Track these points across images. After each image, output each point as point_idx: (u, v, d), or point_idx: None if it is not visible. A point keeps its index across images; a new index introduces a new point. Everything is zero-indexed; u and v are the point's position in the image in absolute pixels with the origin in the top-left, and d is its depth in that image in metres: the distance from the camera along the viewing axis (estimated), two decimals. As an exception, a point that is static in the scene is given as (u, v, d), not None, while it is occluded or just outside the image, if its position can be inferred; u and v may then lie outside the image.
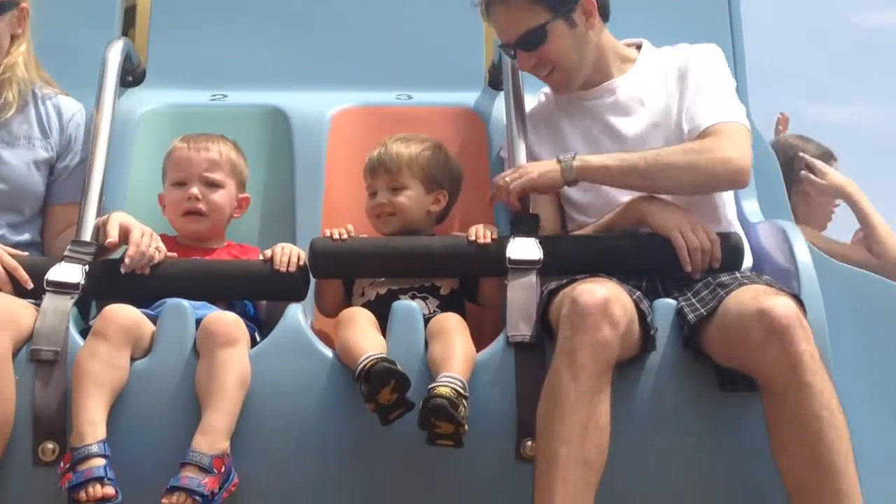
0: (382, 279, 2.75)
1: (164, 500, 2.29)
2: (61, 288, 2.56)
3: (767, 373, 2.29)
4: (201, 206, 2.81)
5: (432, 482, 2.48)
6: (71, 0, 3.22)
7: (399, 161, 2.82)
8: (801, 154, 3.95)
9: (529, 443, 2.42)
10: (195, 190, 2.81)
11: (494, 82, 3.29)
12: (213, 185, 2.83)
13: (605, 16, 2.95)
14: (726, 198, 2.91)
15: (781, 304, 2.31)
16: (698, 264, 2.62)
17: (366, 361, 2.37)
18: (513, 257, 2.60)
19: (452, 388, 2.34)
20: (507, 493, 2.44)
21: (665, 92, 2.92)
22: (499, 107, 3.19)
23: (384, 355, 2.39)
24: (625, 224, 2.73)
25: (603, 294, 2.33)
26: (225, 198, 2.84)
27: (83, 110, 3.01)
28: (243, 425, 2.44)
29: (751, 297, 2.37)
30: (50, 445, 2.42)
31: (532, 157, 2.90)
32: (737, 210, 2.97)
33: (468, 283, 2.77)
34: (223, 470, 2.35)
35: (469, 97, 3.27)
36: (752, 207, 3.06)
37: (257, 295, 2.73)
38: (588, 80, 2.95)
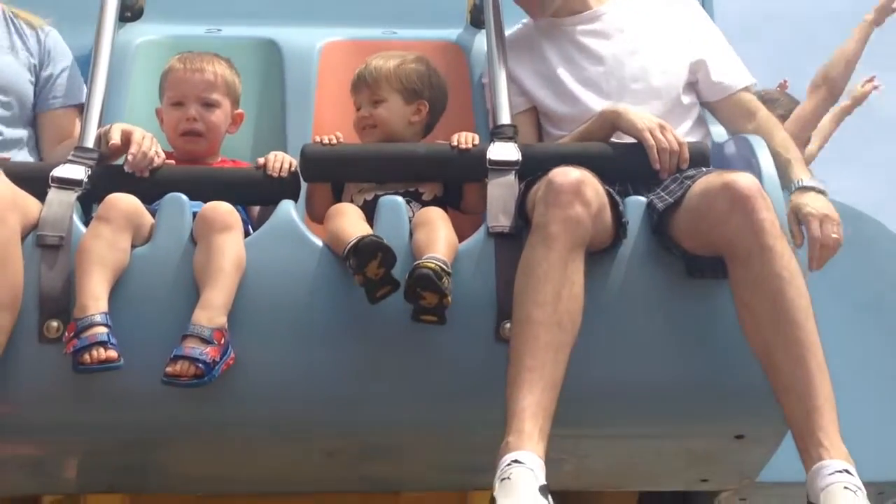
0: (369, 185, 2.89)
1: (168, 368, 2.42)
2: (65, 184, 2.70)
3: (732, 240, 2.45)
4: (199, 126, 2.94)
5: (416, 361, 2.61)
6: None
7: (378, 75, 2.98)
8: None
9: (508, 325, 2.55)
10: (193, 111, 2.94)
11: (475, 21, 3.46)
12: (210, 104, 2.97)
13: None
14: (697, 116, 3.10)
15: (744, 178, 2.48)
16: (666, 164, 2.78)
17: (354, 239, 2.51)
18: (493, 158, 2.75)
19: (437, 264, 2.48)
20: (487, 371, 2.56)
21: (650, 26, 3.15)
22: (479, 41, 3.36)
23: (372, 233, 2.54)
24: (599, 132, 2.89)
25: (576, 175, 2.49)
26: (221, 117, 2.98)
27: (52, 29, 3.16)
28: (238, 308, 2.56)
29: (715, 176, 2.55)
30: (55, 323, 2.55)
31: (512, 79, 3.07)
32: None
33: (451, 189, 2.91)
34: (223, 342, 2.48)
35: (451, 34, 3.44)
36: (720, 131, 3.22)
37: (251, 198, 2.86)
38: (567, 7, 3.13)
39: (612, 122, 2.88)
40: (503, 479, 2.25)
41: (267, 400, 2.60)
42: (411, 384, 2.62)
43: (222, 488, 2.98)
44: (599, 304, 2.61)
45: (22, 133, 3.05)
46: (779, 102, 4.41)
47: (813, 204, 2.82)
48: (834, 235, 2.77)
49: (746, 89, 3.17)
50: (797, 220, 2.82)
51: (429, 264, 2.47)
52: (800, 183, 2.88)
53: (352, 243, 2.50)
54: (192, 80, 2.96)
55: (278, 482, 2.89)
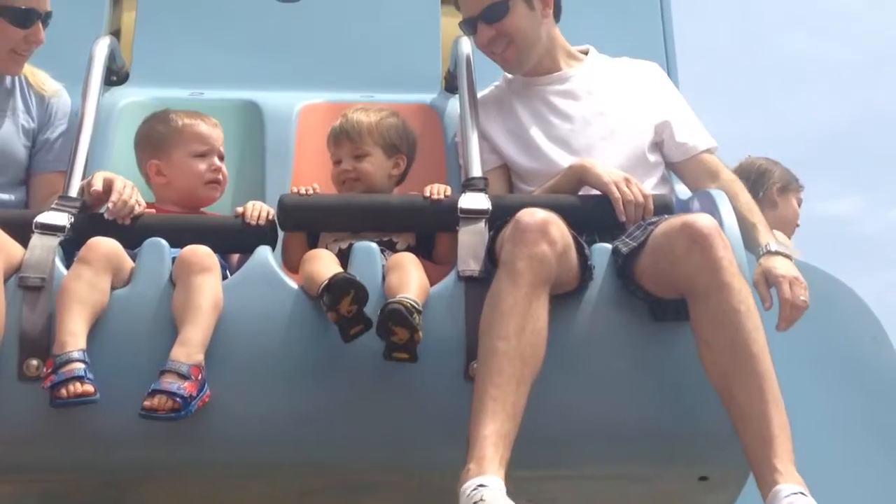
0: (344, 235, 2.98)
1: (146, 402, 2.48)
2: (48, 230, 2.78)
3: (691, 277, 2.55)
4: (220, 177, 3.09)
5: (388, 400, 2.68)
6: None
7: (360, 129, 3.08)
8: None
9: (475, 364, 2.62)
10: (217, 161, 3.08)
11: (450, 87, 3.60)
12: (223, 158, 3.12)
13: (557, 14, 3.33)
14: (662, 175, 3.22)
15: (703, 218, 2.59)
16: (632, 215, 2.88)
17: (328, 278, 2.59)
18: (464, 207, 2.85)
19: (408, 301, 2.56)
20: (456, 410, 2.60)
21: (617, 89, 3.30)
22: (453, 104, 3.49)
23: (345, 272, 2.63)
24: (567, 185, 3.00)
25: (542, 215, 2.59)
26: (226, 171, 3.13)
27: (64, 89, 3.28)
28: (215, 347, 2.63)
29: (675, 218, 2.66)
30: (34, 362, 2.61)
31: (484, 137, 3.19)
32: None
33: (424, 240, 3.00)
34: (200, 378, 2.55)
35: (426, 98, 3.57)
36: (683, 189, 3.33)
37: (229, 245, 2.94)
38: (539, 66, 3.28)
39: (579, 176, 2.99)
40: (475, 503, 2.30)
41: (242, 438, 2.66)
42: (383, 423, 2.68)
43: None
44: (565, 347, 2.69)
45: (14, 196, 3.14)
46: (772, 173, 4.53)
47: (782, 267, 2.91)
48: (802, 297, 2.86)
49: (709, 151, 3.29)
50: (766, 282, 2.90)
51: (400, 301, 2.55)
52: (767, 247, 2.98)
53: (325, 281, 2.58)
54: (215, 135, 3.10)
55: None
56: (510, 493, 2.39)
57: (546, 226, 2.56)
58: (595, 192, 2.98)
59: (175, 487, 2.75)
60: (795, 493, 2.33)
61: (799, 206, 4.63)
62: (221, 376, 2.64)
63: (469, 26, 3.29)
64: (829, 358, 3.30)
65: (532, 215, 2.58)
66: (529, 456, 2.52)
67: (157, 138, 3.13)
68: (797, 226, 4.60)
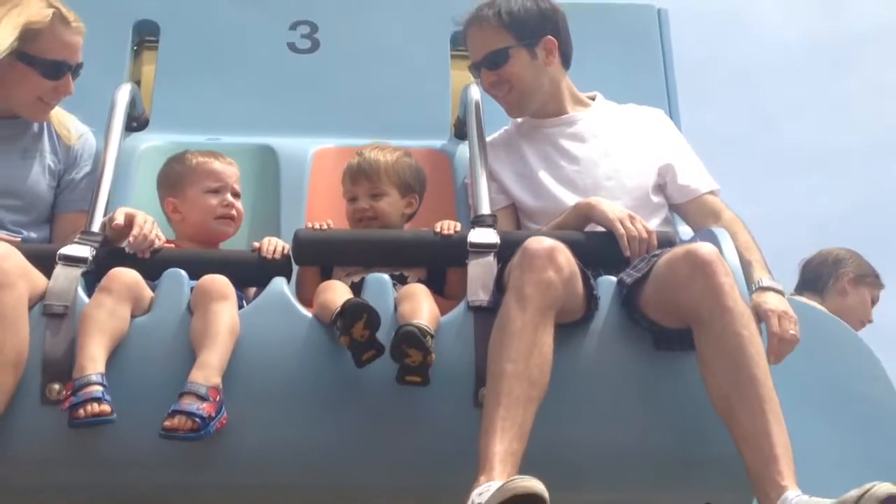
0: (357, 269, 3.07)
1: (166, 423, 2.56)
2: (71, 261, 2.87)
3: (694, 303, 2.63)
4: (233, 212, 3.20)
5: (399, 424, 2.75)
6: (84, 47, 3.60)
7: (378, 168, 3.19)
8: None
9: (484, 391, 2.70)
10: (230, 197, 3.19)
11: (459, 134, 3.72)
12: (238, 195, 3.23)
13: (565, 61, 3.46)
14: (665, 216, 3.32)
15: (704, 246, 2.68)
16: (636, 251, 2.97)
17: (341, 304, 2.68)
18: (473, 241, 2.94)
19: (421, 325, 2.65)
20: (465, 435, 2.67)
21: (623, 132, 3.42)
22: (462, 150, 3.61)
23: (358, 298, 2.71)
24: (573, 222, 3.10)
25: (549, 243, 2.69)
26: (241, 207, 3.24)
27: (90, 132, 3.39)
28: (231, 373, 2.71)
29: (679, 248, 2.74)
30: (56, 386, 2.69)
31: (492, 178, 3.30)
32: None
33: (435, 275, 3.09)
34: (217, 400, 2.63)
35: (436, 143, 3.69)
36: (686, 230, 3.43)
37: (246, 279, 3.03)
38: (545, 110, 3.40)
39: (585, 214, 3.09)
40: (481, 493, 2.37)
41: (257, 461, 2.73)
42: (394, 447, 2.75)
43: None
44: (572, 375, 2.77)
45: (38, 234, 3.24)
46: (847, 262, 4.63)
47: (772, 302, 2.99)
48: (791, 331, 2.94)
49: (712, 193, 3.39)
50: (757, 317, 2.98)
51: (414, 324, 2.63)
52: (760, 283, 3.07)
53: (339, 307, 2.67)
54: (228, 172, 3.22)
55: None
56: None
57: (553, 252, 2.65)
58: (601, 229, 3.07)
59: (192, 511, 2.81)
60: (800, 495, 2.39)
61: (874, 303, 4.67)
62: (237, 401, 2.71)
63: (474, 70, 3.43)
64: (829, 394, 3.37)
65: (539, 242, 2.68)
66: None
67: (173, 177, 3.25)
68: (869, 321, 4.63)
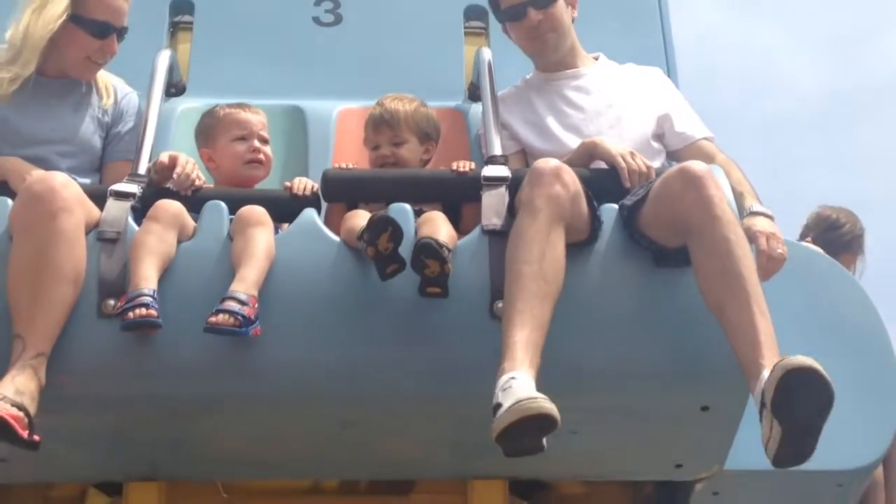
0: (379, 206, 3.34)
1: (211, 318, 2.82)
2: (121, 196, 3.16)
3: (687, 214, 2.90)
4: (261, 156, 3.47)
5: (421, 337, 3.01)
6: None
7: (398, 118, 3.48)
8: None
9: (500, 304, 2.97)
10: (257, 143, 3.47)
11: (472, 96, 4.01)
12: (266, 141, 3.50)
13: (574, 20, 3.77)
14: (663, 163, 3.59)
15: (697, 164, 2.96)
16: (636, 183, 3.24)
17: (367, 219, 2.95)
18: (487, 175, 3.22)
19: (438, 239, 2.92)
20: (483, 345, 2.94)
21: (624, 86, 3.72)
22: (475, 108, 3.90)
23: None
24: (578, 161, 3.37)
25: (556, 163, 2.97)
26: (270, 153, 3.52)
27: (134, 92, 3.71)
28: (267, 292, 2.97)
29: (673, 167, 3.01)
30: (111, 301, 2.97)
31: (504, 126, 3.59)
32: None
33: (451, 212, 3.35)
34: (255, 307, 2.89)
35: (452, 103, 3.98)
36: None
37: (278, 214, 3.30)
38: (561, 61, 3.70)
39: (590, 152, 3.37)
40: (504, 390, 2.64)
41: (290, 371, 2.99)
42: (416, 357, 3.02)
43: (250, 472, 3.32)
44: (578, 292, 3.02)
45: (89, 180, 3.52)
46: (846, 226, 4.89)
47: (761, 224, 3.27)
48: (779, 250, 3.21)
49: (706, 139, 3.67)
50: (748, 238, 3.24)
51: (431, 237, 2.91)
52: (751, 209, 3.34)
53: (365, 223, 2.94)
54: (254, 120, 3.50)
55: (300, 463, 3.24)
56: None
57: (559, 171, 2.94)
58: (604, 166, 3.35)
59: (231, 417, 3.07)
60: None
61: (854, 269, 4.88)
62: (273, 317, 2.98)
63: (518, 11, 3.69)
64: (818, 323, 3.59)
65: (547, 162, 2.96)
66: (551, 388, 2.80)
67: (206, 129, 3.55)
68: None
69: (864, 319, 3.56)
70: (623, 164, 3.25)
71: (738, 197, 3.34)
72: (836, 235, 4.80)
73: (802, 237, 4.80)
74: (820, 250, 3.87)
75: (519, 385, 2.65)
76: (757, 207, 3.31)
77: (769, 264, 3.16)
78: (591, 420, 3.12)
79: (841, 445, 3.38)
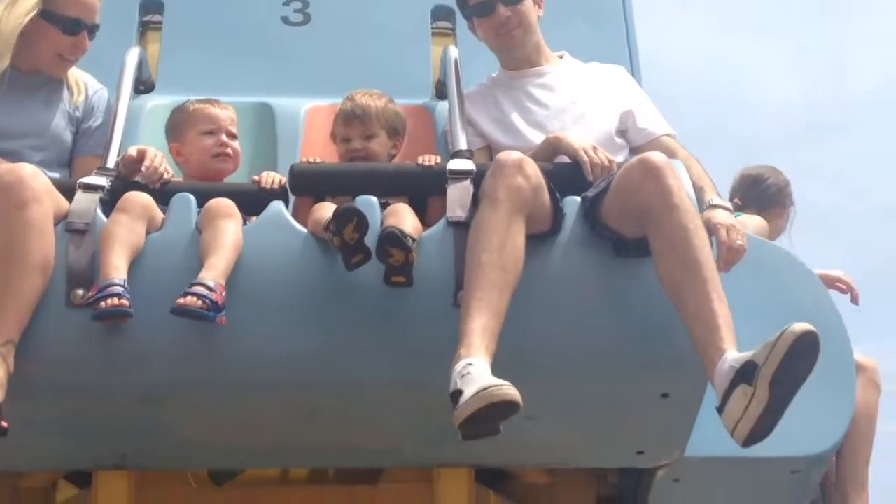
0: (346, 199, 3.39)
1: (179, 300, 2.87)
2: (90, 188, 3.20)
3: (646, 202, 2.97)
4: (229, 150, 3.52)
5: (386, 325, 3.06)
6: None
7: (370, 112, 3.55)
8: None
9: (462, 294, 3.03)
10: (225, 137, 3.52)
11: (439, 94, 4.08)
12: (233, 136, 3.56)
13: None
14: (627, 158, 3.66)
15: (656, 154, 3.03)
16: (598, 176, 3.31)
17: (334, 210, 3.01)
18: (452, 168, 3.27)
19: (402, 228, 2.98)
20: (446, 333, 2.96)
21: (588, 83, 3.80)
22: (442, 106, 3.96)
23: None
24: (543, 155, 3.44)
25: (518, 155, 3.04)
26: (238, 147, 3.57)
27: (104, 89, 3.76)
28: (234, 282, 3.01)
29: (633, 158, 3.09)
30: (80, 291, 3.01)
31: (470, 123, 3.65)
32: None
33: (417, 205, 3.41)
34: (223, 295, 2.94)
35: (419, 101, 4.04)
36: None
37: (247, 208, 3.34)
38: (527, 59, 3.80)
39: (553, 146, 3.44)
40: (463, 376, 2.70)
41: (258, 359, 3.04)
42: (381, 345, 3.06)
43: (219, 462, 3.37)
44: (540, 281, 3.09)
45: (58, 175, 3.56)
46: (769, 179, 4.93)
47: (720, 216, 3.33)
48: (739, 241, 3.28)
49: (668, 136, 3.74)
50: (708, 230, 3.31)
51: (395, 226, 2.96)
52: (710, 202, 3.41)
53: (332, 213, 3.00)
54: (222, 115, 3.56)
55: (269, 452, 3.29)
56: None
57: (522, 163, 3.00)
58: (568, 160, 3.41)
59: (199, 405, 3.11)
60: (738, 354, 2.73)
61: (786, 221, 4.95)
62: (241, 306, 3.02)
63: (487, 6, 3.77)
64: (773, 314, 3.63)
65: (509, 154, 3.03)
66: (511, 375, 2.84)
67: (175, 124, 3.61)
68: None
69: (819, 310, 3.62)
70: (585, 158, 3.32)
71: (699, 191, 3.41)
72: (761, 190, 4.86)
73: (730, 199, 4.84)
74: (769, 241, 3.93)
75: (477, 372, 2.71)
76: (716, 200, 3.38)
77: (729, 255, 3.23)
78: (554, 407, 3.17)
79: (797, 432, 3.44)
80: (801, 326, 2.65)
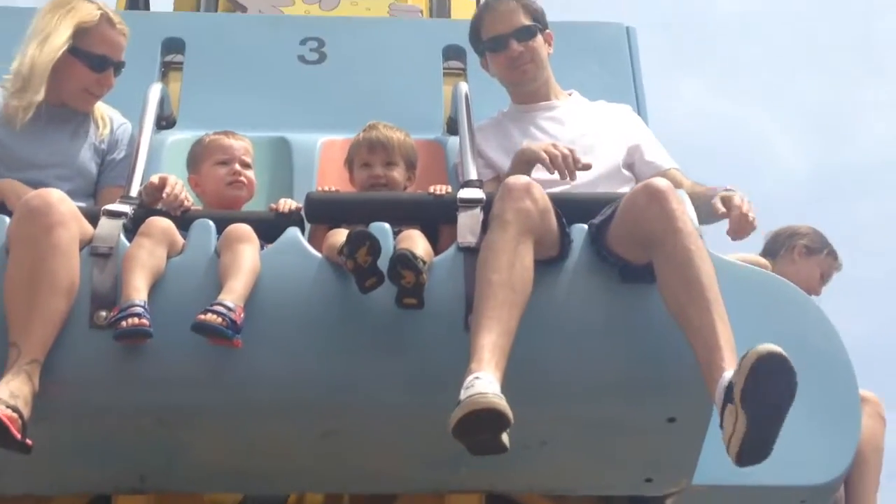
0: (360, 227, 3.49)
1: (199, 316, 2.97)
2: (114, 215, 3.30)
3: (651, 227, 3.06)
4: (242, 178, 3.65)
5: (398, 348, 3.15)
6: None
7: (392, 142, 3.69)
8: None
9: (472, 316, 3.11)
10: (238, 166, 3.65)
11: (451, 130, 4.20)
12: (246, 165, 3.68)
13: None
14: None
15: (660, 180, 3.13)
16: (562, 168, 3.45)
17: (347, 234, 3.10)
18: (462, 197, 3.38)
19: (413, 251, 3.07)
20: (457, 355, 3.04)
21: (596, 118, 3.94)
22: (453, 141, 4.08)
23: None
24: (519, 168, 3.58)
25: (526, 180, 3.14)
26: (253, 177, 3.69)
27: (128, 123, 3.88)
28: (252, 305, 3.10)
29: (638, 185, 3.19)
30: (103, 313, 3.10)
31: (480, 155, 3.76)
32: None
33: (429, 234, 3.50)
34: (242, 316, 3.03)
35: (431, 136, 4.16)
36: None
37: (264, 234, 3.43)
38: (536, 93, 3.92)
39: (521, 158, 3.59)
40: (466, 388, 2.77)
41: (273, 382, 3.12)
42: (393, 368, 3.15)
43: (235, 486, 3.44)
44: (547, 306, 3.17)
45: (82, 204, 3.66)
46: (803, 234, 5.00)
47: (738, 196, 3.49)
48: (752, 214, 3.41)
49: (675, 169, 3.85)
50: (725, 205, 3.46)
51: (407, 249, 3.06)
52: (725, 188, 3.55)
53: (346, 237, 3.09)
54: (236, 145, 3.70)
55: (284, 476, 3.36)
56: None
57: (529, 187, 3.11)
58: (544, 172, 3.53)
59: (216, 426, 3.19)
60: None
61: (824, 278, 4.97)
62: (257, 329, 3.11)
63: (500, 41, 3.92)
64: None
65: (518, 179, 3.13)
66: (521, 399, 2.92)
67: (193, 156, 3.76)
68: (816, 294, 4.87)
69: (826, 344, 3.69)
70: (544, 157, 3.44)
71: (701, 193, 3.55)
72: (771, 238, 4.97)
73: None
74: (777, 276, 4.01)
75: (480, 383, 2.79)
76: (732, 188, 3.51)
77: (741, 223, 3.38)
78: (561, 431, 3.25)
79: (805, 462, 3.52)
80: (764, 347, 2.73)
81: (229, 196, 3.63)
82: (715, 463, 3.30)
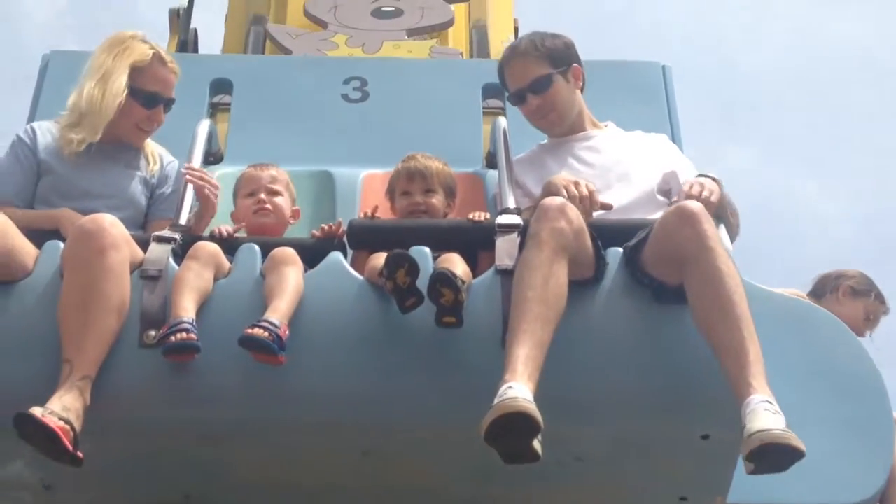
0: (400, 252, 3.60)
1: (247, 330, 3.07)
2: (163, 241, 3.43)
3: (683, 247, 3.14)
4: (267, 205, 3.77)
5: (437, 367, 3.24)
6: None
7: (431, 171, 3.82)
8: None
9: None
10: (262, 196, 3.78)
11: (490, 164, 4.31)
12: (274, 193, 3.81)
13: (581, 87, 4.06)
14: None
15: (693, 203, 3.23)
16: (579, 208, 3.48)
17: (386, 256, 3.21)
18: (501, 223, 3.47)
19: (452, 270, 3.17)
20: (493, 374, 3.09)
21: (632, 146, 4.02)
22: (492, 174, 4.20)
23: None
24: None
25: (561, 200, 3.24)
26: (282, 202, 3.82)
27: (176, 161, 4.04)
28: (296, 325, 3.22)
29: (671, 207, 3.28)
30: (152, 333, 3.22)
31: (518, 185, 3.86)
32: None
33: (468, 259, 3.61)
34: (286, 333, 3.14)
35: (471, 168, 4.27)
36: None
37: (307, 259, 3.53)
38: (571, 127, 4.02)
39: (549, 191, 3.62)
40: (499, 397, 2.86)
41: (315, 400, 3.22)
42: (432, 386, 3.24)
43: (274, 502, 3.53)
44: (583, 326, 3.26)
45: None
46: (850, 276, 5.05)
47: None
48: (705, 194, 3.54)
49: None
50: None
51: (446, 267, 3.16)
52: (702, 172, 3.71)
53: (385, 258, 3.20)
54: (261, 175, 3.84)
55: (325, 493, 3.44)
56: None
57: (565, 207, 3.21)
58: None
59: (259, 443, 3.28)
60: (763, 401, 2.87)
61: (871, 320, 4.98)
62: (300, 348, 3.21)
63: (518, 97, 4.04)
64: (815, 373, 3.77)
65: (553, 200, 3.24)
66: (555, 416, 3.01)
67: (233, 192, 3.92)
68: (860, 335, 4.83)
69: (859, 368, 3.75)
70: (565, 193, 3.51)
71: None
72: (819, 285, 5.01)
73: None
74: (812, 304, 4.07)
75: (512, 391, 2.87)
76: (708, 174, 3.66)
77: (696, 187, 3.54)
78: (596, 448, 3.32)
79: (839, 481, 3.56)
80: (769, 436, 2.84)
81: (256, 224, 3.76)
82: (750, 481, 3.35)
